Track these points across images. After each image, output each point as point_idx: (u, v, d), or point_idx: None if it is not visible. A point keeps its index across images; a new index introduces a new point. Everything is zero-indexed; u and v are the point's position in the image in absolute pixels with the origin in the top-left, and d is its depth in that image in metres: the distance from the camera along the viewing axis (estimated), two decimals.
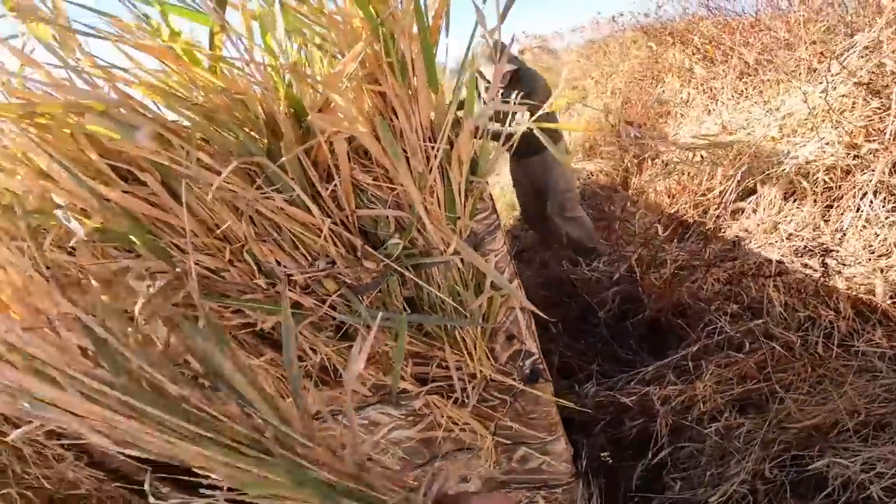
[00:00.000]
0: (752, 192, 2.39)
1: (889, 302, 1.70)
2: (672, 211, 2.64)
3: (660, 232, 2.38)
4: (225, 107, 0.44)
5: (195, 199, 0.50)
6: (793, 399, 1.53)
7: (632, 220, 2.71)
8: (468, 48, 0.51)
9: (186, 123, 0.44)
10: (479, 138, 0.59)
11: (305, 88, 0.44)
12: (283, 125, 0.43)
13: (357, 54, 0.43)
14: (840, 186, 2.04)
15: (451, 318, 0.68)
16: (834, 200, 2.05)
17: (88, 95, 0.40)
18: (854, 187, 1.97)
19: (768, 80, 2.70)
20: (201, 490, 0.45)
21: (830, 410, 1.47)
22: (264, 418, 0.34)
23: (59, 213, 0.43)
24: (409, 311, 0.71)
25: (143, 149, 0.43)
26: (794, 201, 2.21)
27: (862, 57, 2.14)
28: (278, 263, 0.59)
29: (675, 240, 2.43)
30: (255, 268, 0.57)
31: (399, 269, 0.58)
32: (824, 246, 1.96)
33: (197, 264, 0.56)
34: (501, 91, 2.19)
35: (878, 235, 1.85)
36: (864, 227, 1.91)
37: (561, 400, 0.94)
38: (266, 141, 0.46)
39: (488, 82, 2.23)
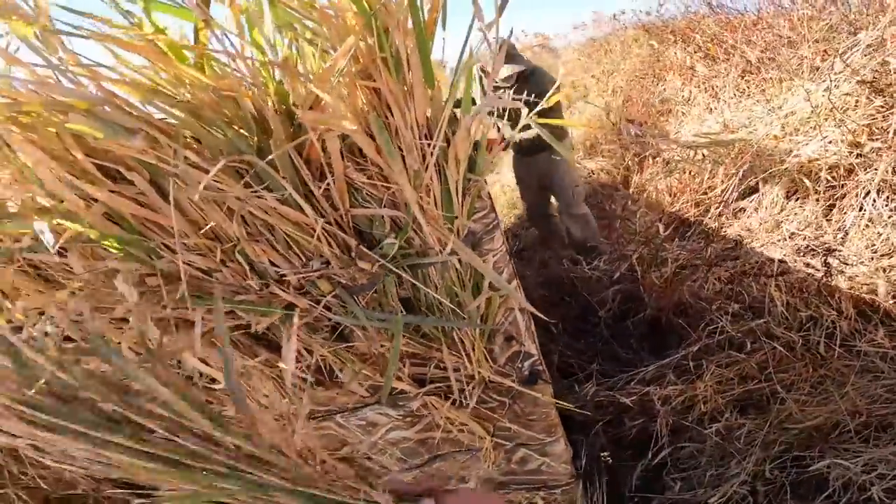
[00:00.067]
0: (754, 190, 2.38)
1: (891, 302, 1.69)
2: (673, 210, 2.63)
3: (661, 231, 2.37)
4: (212, 104, 0.43)
5: (186, 199, 0.49)
6: (794, 399, 1.52)
7: (632, 218, 2.70)
8: (465, 43, 0.50)
9: (174, 121, 0.43)
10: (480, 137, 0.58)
11: (296, 85, 0.42)
12: (272, 122, 0.42)
13: (349, 49, 0.42)
14: (843, 185, 2.02)
15: (449, 319, 0.67)
16: (837, 199, 2.04)
17: (71, 94, 0.39)
18: (857, 186, 1.95)
19: (771, 78, 2.68)
20: None
21: (832, 411, 1.46)
22: (204, 431, 0.33)
23: (35, 224, 0.42)
24: (406, 312, 0.70)
25: (130, 148, 0.41)
26: (796, 200, 2.20)
27: (865, 55, 2.12)
28: (272, 264, 0.57)
29: (677, 239, 2.42)
30: (247, 268, 0.56)
31: (395, 269, 0.57)
32: (827, 245, 1.95)
33: (188, 265, 0.55)
34: (509, 91, 2.17)
35: (880, 235, 1.83)
36: (866, 226, 1.90)
37: (560, 402, 0.93)
38: (256, 139, 0.45)
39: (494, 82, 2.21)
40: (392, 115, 0.47)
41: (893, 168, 1.86)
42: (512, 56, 2.20)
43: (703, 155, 2.67)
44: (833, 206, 2.05)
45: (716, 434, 1.55)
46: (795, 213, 2.15)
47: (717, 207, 2.40)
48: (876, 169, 1.90)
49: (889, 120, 1.95)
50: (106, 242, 0.49)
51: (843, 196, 2.01)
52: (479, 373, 0.79)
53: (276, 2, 0.41)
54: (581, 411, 1.67)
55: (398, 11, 0.44)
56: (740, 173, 2.37)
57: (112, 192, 0.46)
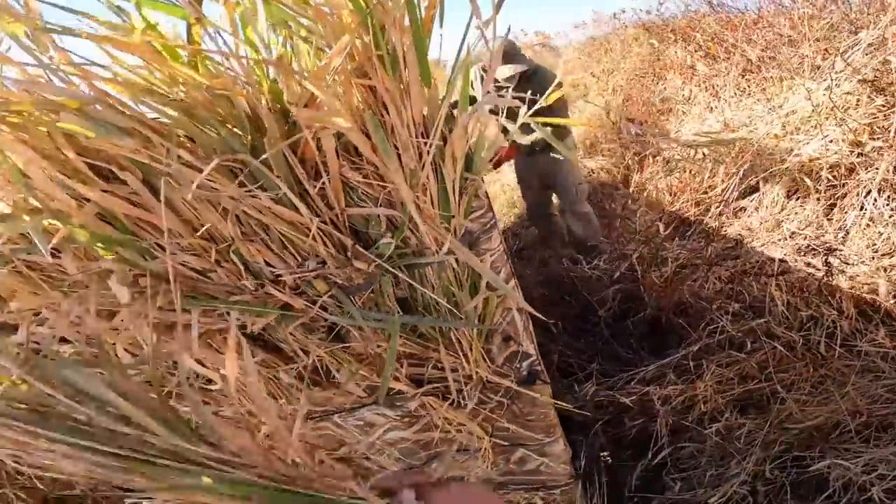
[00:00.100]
0: (755, 190, 2.37)
1: (892, 301, 1.68)
2: (673, 209, 2.62)
3: (661, 230, 2.36)
4: (206, 103, 0.42)
5: (179, 199, 0.48)
6: (794, 399, 1.52)
7: (633, 217, 2.69)
8: (463, 41, 0.49)
9: (166, 120, 0.42)
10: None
11: (291, 83, 0.42)
12: (266, 120, 0.42)
13: (343, 47, 0.41)
14: (844, 184, 2.02)
15: (446, 319, 0.66)
16: (837, 199, 2.03)
17: (63, 93, 0.38)
18: (858, 185, 1.95)
19: (771, 77, 2.67)
20: None
21: (832, 411, 1.45)
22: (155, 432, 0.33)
23: (27, 225, 0.42)
24: (403, 312, 0.69)
25: (122, 147, 0.41)
26: (797, 199, 2.19)
27: (866, 54, 2.12)
28: (267, 264, 0.57)
29: (677, 238, 2.41)
30: (242, 269, 0.55)
31: (391, 269, 0.56)
32: (827, 245, 1.94)
33: (183, 265, 0.54)
34: (511, 91, 2.15)
35: (881, 234, 1.83)
36: (867, 225, 1.89)
37: (559, 402, 0.93)
38: (250, 137, 0.44)
39: (496, 82, 2.19)
40: (388, 113, 0.47)
41: (894, 167, 1.86)
42: (514, 56, 2.18)
43: (704, 154, 2.66)
44: (834, 205, 2.04)
45: (716, 434, 1.54)
46: (796, 213, 2.14)
47: (718, 206, 2.40)
48: (877, 168, 1.89)
49: (890, 119, 1.94)
50: (98, 243, 0.48)
51: (844, 195, 2.01)
52: (476, 373, 0.79)
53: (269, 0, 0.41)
54: (580, 411, 1.67)
55: (395, 9, 0.43)
56: (741, 172, 2.36)
57: (105, 191, 0.46)
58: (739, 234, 2.24)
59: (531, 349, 0.81)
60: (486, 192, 0.63)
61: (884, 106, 1.98)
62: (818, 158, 2.10)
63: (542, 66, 2.33)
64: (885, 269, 1.76)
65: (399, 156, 0.49)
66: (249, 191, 0.47)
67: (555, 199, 2.91)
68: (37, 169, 0.44)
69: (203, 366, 0.70)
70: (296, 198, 0.48)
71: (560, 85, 2.35)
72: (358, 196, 0.53)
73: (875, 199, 1.88)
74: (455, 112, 0.52)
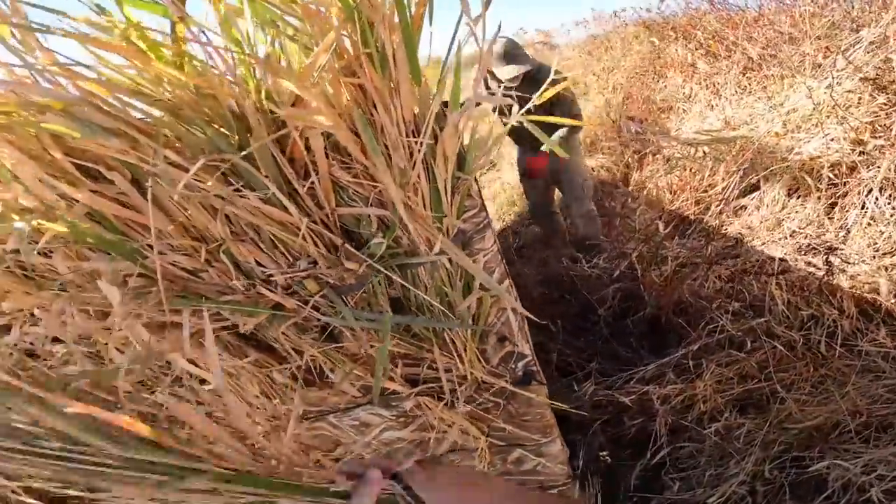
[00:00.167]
0: (755, 188, 2.36)
1: (894, 301, 1.67)
2: (673, 207, 2.61)
3: (661, 229, 2.35)
4: (192, 102, 0.42)
5: (168, 199, 0.48)
6: (794, 399, 1.51)
7: (632, 216, 2.68)
8: (453, 38, 0.49)
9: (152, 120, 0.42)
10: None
11: (278, 82, 0.41)
12: (251, 119, 0.41)
13: (329, 44, 0.40)
14: (845, 183, 2.01)
15: (439, 319, 0.66)
16: (838, 197, 2.02)
17: (48, 94, 0.38)
18: (859, 184, 1.94)
19: (772, 75, 2.66)
20: None
21: (832, 411, 1.44)
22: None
23: (16, 225, 0.41)
24: (396, 312, 0.69)
25: (109, 148, 0.41)
26: (797, 198, 2.18)
27: (868, 52, 2.10)
28: (258, 264, 0.57)
29: (677, 237, 2.40)
30: (232, 268, 0.55)
31: (383, 269, 0.56)
32: (828, 244, 1.93)
33: (173, 265, 0.54)
34: (516, 91, 2.14)
35: (883, 233, 1.82)
36: (869, 224, 1.88)
37: (555, 402, 0.92)
38: (237, 137, 0.44)
39: (500, 82, 2.18)
40: (378, 112, 0.46)
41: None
42: (516, 56, 2.16)
43: (704, 152, 2.65)
44: (835, 203, 2.03)
45: (715, 434, 1.54)
46: (797, 211, 2.13)
47: (718, 205, 2.39)
48: (878, 167, 1.88)
49: (892, 117, 1.93)
50: (87, 243, 0.48)
51: (846, 194, 1.99)
52: (471, 373, 0.78)
53: None
54: (579, 411, 1.67)
55: (383, 6, 0.42)
56: (741, 171, 2.35)
57: (93, 191, 0.45)
58: (740, 233, 2.23)
59: (526, 349, 0.81)
60: (478, 192, 0.62)
61: (885, 104, 1.97)
62: (819, 157, 2.09)
63: (546, 65, 2.31)
64: (887, 269, 1.75)
65: (389, 155, 0.49)
66: (238, 190, 0.46)
67: (557, 196, 2.91)
68: (25, 169, 0.43)
69: (196, 366, 0.70)
70: (285, 198, 0.48)
71: (564, 78, 2.34)
72: (348, 196, 0.52)
73: (876, 198, 1.87)
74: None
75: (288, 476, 0.58)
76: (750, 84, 2.84)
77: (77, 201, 0.46)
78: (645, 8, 4.56)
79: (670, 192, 2.72)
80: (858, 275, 1.78)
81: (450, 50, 0.50)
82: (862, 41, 2.14)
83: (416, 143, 0.49)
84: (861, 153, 1.97)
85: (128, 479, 0.39)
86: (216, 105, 0.42)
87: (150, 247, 0.51)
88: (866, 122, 1.98)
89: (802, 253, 1.97)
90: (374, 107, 0.46)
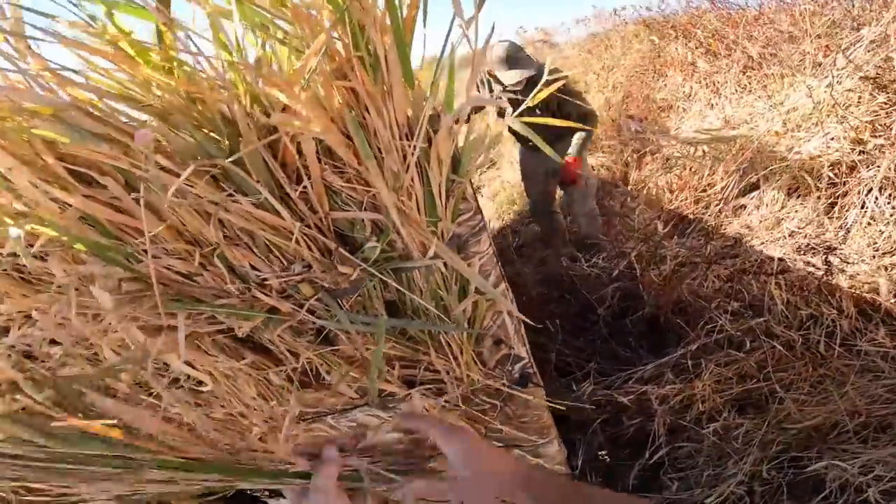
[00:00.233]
0: (755, 187, 2.35)
1: (893, 300, 1.67)
2: (673, 207, 2.61)
3: (660, 228, 2.35)
4: (181, 107, 0.42)
5: (162, 203, 0.48)
6: (793, 399, 1.51)
7: (631, 215, 2.68)
8: (446, 40, 0.48)
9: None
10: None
11: (268, 86, 0.41)
12: (241, 124, 0.41)
13: (319, 48, 0.40)
14: (845, 182, 2.00)
15: (435, 322, 0.66)
16: (838, 197, 2.02)
17: (39, 99, 0.38)
18: (859, 183, 1.93)
19: (772, 74, 2.65)
20: None
21: (831, 411, 1.44)
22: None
23: (11, 230, 0.41)
24: (392, 315, 0.69)
25: (101, 152, 0.41)
26: (797, 197, 2.18)
27: (868, 51, 2.10)
28: (252, 268, 0.57)
29: (676, 236, 2.40)
30: (226, 272, 0.55)
31: (377, 273, 0.56)
32: (827, 243, 1.93)
33: (167, 269, 0.54)
34: (520, 95, 2.13)
35: (882, 233, 1.82)
36: (868, 223, 1.88)
37: (553, 404, 0.92)
38: (228, 142, 0.44)
39: (504, 87, 2.17)
40: (370, 115, 0.46)
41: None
42: (519, 59, 2.15)
43: (704, 151, 2.65)
44: (835, 203, 2.03)
45: (713, 434, 1.54)
46: (796, 211, 2.13)
47: (717, 204, 2.38)
48: (878, 166, 1.87)
49: (892, 116, 1.92)
50: (80, 247, 0.48)
51: (845, 193, 1.99)
52: (468, 376, 0.78)
53: (243, 0, 0.40)
54: (578, 411, 1.67)
55: (374, 7, 0.42)
56: (741, 170, 2.35)
57: (86, 196, 0.45)
58: (739, 233, 2.22)
59: (523, 352, 0.80)
60: (473, 195, 0.62)
61: (885, 103, 1.96)
62: (819, 156, 2.08)
63: (552, 67, 2.31)
64: (886, 268, 1.75)
65: (381, 159, 0.49)
66: (230, 195, 0.46)
67: (557, 194, 2.90)
68: (19, 174, 0.43)
69: (193, 368, 0.70)
70: (277, 202, 0.47)
71: (565, 76, 2.33)
72: (342, 199, 0.52)
73: (876, 198, 1.87)
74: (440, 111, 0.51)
75: (245, 460, 0.59)
76: (750, 83, 2.84)
77: (70, 206, 0.46)
78: (645, 6, 4.55)
79: (670, 192, 2.71)
80: (858, 274, 1.78)
81: (443, 52, 0.49)
82: (862, 40, 2.13)
83: (409, 146, 0.49)
84: (861, 152, 1.96)
85: (80, 473, 0.39)
86: (206, 110, 0.42)
87: (145, 251, 0.52)
88: (866, 122, 1.98)
89: (802, 253, 1.96)
90: (367, 110, 0.46)
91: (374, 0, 0.42)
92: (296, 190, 0.48)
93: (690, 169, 2.67)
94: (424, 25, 0.48)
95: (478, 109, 2.60)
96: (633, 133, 3.32)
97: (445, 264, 0.61)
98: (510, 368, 0.81)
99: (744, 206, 2.33)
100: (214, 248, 0.53)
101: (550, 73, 2.20)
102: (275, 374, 0.77)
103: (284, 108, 0.42)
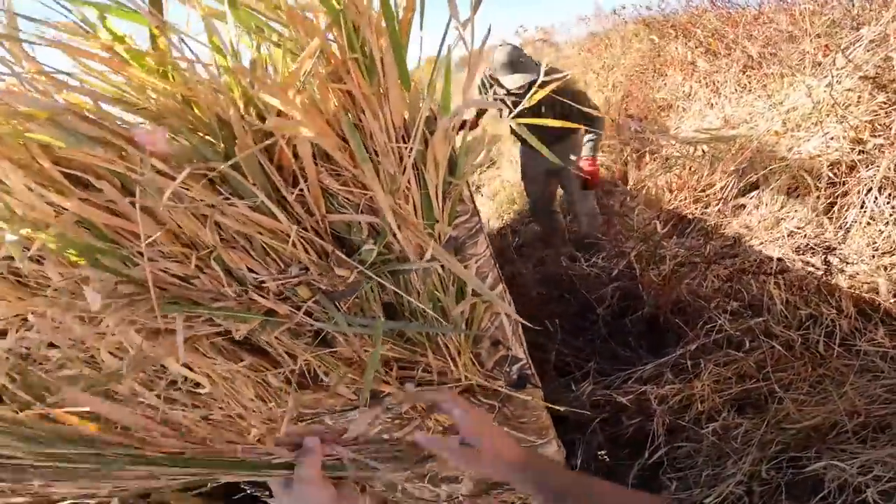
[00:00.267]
0: (755, 187, 2.35)
1: (892, 300, 1.67)
2: (672, 206, 2.60)
3: (658, 228, 2.35)
4: (177, 111, 0.41)
5: (158, 206, 0.48)
6: (792, 399, 1.51)
7: (631, 215, 2.68)
8: (442, 41, 0.48)
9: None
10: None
11: (262, 91, 0.41)
12: (235, 127, 0.41)
13: (313, 52, 0.40)
14: (844, 182, 2.00)
15: (432, 324, 0.66)
16: (838, 196, 2.02)
17: (34, 104, 0.38)
18: (858, 183, 1.93)
19: (772, 73, 2.65)
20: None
21: (830, 411, 1.44)
22: None
23: (8, 237, 0.41)
24: (390, 316, 0.69)
25: (95, 157, 0.40)
26: (796, 197, 2.17)
27: (868, 51, 2.09)
28: (250, 270, 0.56)
29: (675, 236, 2.40)
30: (223, 275, 0.55)
31: (374, 276, 0.56)
32: (827, 243, 1.93)
33: (164, 272, 0.54)
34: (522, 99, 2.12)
35: (882, 232, 1.81)
36: (868, 223, 1.88)
37: (551, 405, 0.92)
38: (223, 145, 0.43)
39: (507, 91, 2.17)
40: (366, 117, 0.46)
41: (895, 165, 1.84)
42: (522, 64, 2.15)
43: (703, 151, 2.64)
44: (834, 203, 2.03)
45: (713, 434, 1.54)
46: (796, 210, 2.12)
47: (717, 204, 2.38)
48: (878, 166, 1.87)
49: (892, 116, 1.92)
50: (77, 252, 0.48)
51: (845, 193, 1.99)
52: (465, 377, 0.78)
53: (237, 3, 0.40)
54: (577, 410, 1.67)
55: (369, 9, 0.42)
56: (740, 170, 2.35)
57: (82, 200, 0.45)
58: (738, 232, 2.22)
59: (521, 353, 0.80)
60: (471, 197, 0.62)
61: (885, 103, 1.96)
62: (819, 156, 2.08)
63: (554, 71, 2.31)
64: (885, 268, 1.74)
65: (377, 161, 0.48)
66: (227, 199, 0.46)
67: (559, 193, 2.90)
68: (15, 178, 0.43)
69: (190, 370, 0.70)
70: (274, 205, 0.47)
71: (583, 95, 2.33)
72: (339, 202, 0.52)
73: (876, 197, 1.86)
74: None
75: (224, 453, 0.59)
76: (749, 82, 2.84)
77: (66, 209, 0.46)
78: (645, 5, 4.55)
79: (669, 191, 2.71)
80: (857, 274, 1.78)
81: (439, 53, 0.49)
82: (862, 39, 2.13)
83: (405, 148, 0.49)
84: (860, 152, 1.96)
85: (53, 472, 0.40)
86: (201, 113, 0.42)
87: (141, 254, 0.51)
88: (866, 121, 1.98)
89: (801, 252, 1.96)
90: (363, 112, 0.46)
91: (369, 2, 0.42)
92: (292, 193, 0.48)
93: (690, 168, 2.67)
94: (421, 27, 0.48)
95: (480, 113, 2.61)
96: (632, 132, 3.32)
97: (443, 266, 0.60)
98: (508, 369, 0.81)
99: (743, 206, 2.33)
100: (211, 250, 0.53)
101: (551, 73, 2.20)
102: (273, 375, 0.77)
103: (280, 112, 0.42)
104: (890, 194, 1.84)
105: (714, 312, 1.87)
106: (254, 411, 0.85)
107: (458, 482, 1.11)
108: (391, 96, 0.47)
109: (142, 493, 1.12)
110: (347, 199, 0.51)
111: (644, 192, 2.93)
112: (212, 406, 0.87)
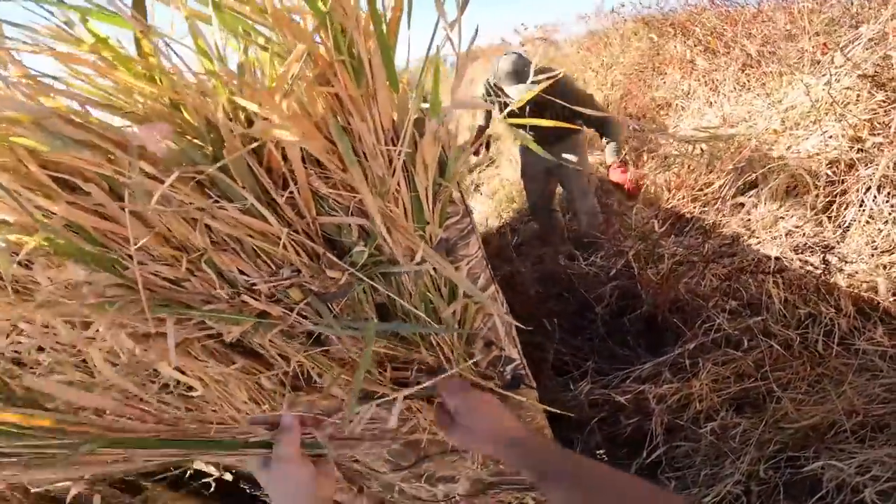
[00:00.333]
0: (753, 186, 2.35)
1: (891, 299, 1.66)
2: (670, 205, 2.60)
3: (657, 227, 2.35)
4: (163, 114, 0.41)
5: (148, 210, 0.48)
6: (790, 398, 1.51)
7: (629, 213, 2.67)
8: (431, 42, 0.48)
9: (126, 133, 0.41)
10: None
11: (249, 94, 0.41)
12: (223, 130, 0.41)
13: (299, 56, 0.40)
14: (843, 181, 1.99)
15: (424, 325, 0.66)
16: (837, 195, 2.01)
17: (20, 107, 0.38)
18: (857, 182, 1.92)
19: (771, 71, 2.64)
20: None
21: (828, 410, 1.44)
22: None
23: None
24: (383, 317, 0.69)
25: (83, 159, 0.40)
26: (795, 196, 2.17)
27: (867, 49, 2.09)
28: (241, 273, 0.56)
29: (674, 234, 2.39)
30: (215, 277, 0.54)
31: (365, 278, 0.56)
32: (826, 242, 1.92)
33: (154, 275, 0.54)
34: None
35: (881, 231, 1.81)
36: (867, 222, 1.87)
37: (546, 406, 0.92)
38: (211, 149, 0.43)
39: (511, 100, 2.17)
40: (354, 120, 0.46)
41: (894, 163, 1.83)
42: (526, 73, 2.16)
43: (702, 149, 2.64)
44: (833, 201, 2.02)
45: (711, 433, 1.54)
46: (794, 209, 2.12)
47: (715, 203, 2.38)
48: (877, 164, 1.87)
49: (890, 115, 1.92)
50: (65, 255, 0.48)
51: (844, 192, 1.98)
52: (460, 375, 0.78)
53: (222, 6, 0.40)
54: (573, 411, 1.67)
55: (356, 10, 0.42)
56: (739, 168, 2.34)
57: (70, 203, 0.45)
58: (737, 231, 2.22)
59: (515, 353, 0.80)
60: (462, 198, 0.62)
61: (884, 101, 1.95)
62: (817, 154, 2.08)
63: (560, 77, 2.31)
64: (885, 267, 1.74)
65: (365, 164, 0.48)
66: (216, 202, 0.46)
67: (559, 192, 2.90)
68: (2, 182, 0.43)
69: (182, 373, 0.70)
70: (264, 208, 0.47)
71: (589, 98, 2.32)
72: (329, 205, 0.52)
73: (875, 196, 1.86)
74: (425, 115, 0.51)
75: (198, 434, 0.59)
76: (748, 81, 2.83)
77: (54, 213, 0.46)
78: (644, 4, 4.54)
79: (668, 190, 2.71)
80: (856, 273, 1.77)
81: (427, 54, 0.49)
82: (861, 38, 2.12)
83: (394, 151, 0.49)
84: (859, 150, 1.95)
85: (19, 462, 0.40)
86: (189, 116, 0.42)
87: (130, 257, 0.51)
88: (865, 120, 1.97)
89: (800, 251, 1.96)
90: (351, 115, 0.46)
91: (356, 3, 0.42)
92: (282, 195, 0.48)
93: (688, 167, 2.67)
94: (409, 28, 0.48)
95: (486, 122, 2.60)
96: (631, 131, 3.31)
97: (434, 268, 0.60)
98: (502, 370, 0.81)
99: (741, 205, 2.32)
100: (202, 253, 0.53)
101: (550, 77, 2.20)
102: (266, 378, 0.77)
103: (267, 117, 0.42)
104: (889, 193, 1.84)
105: (712, 311, 1.87)
106: (247, 414, 0.85)
107: (455, 482, 1.11)
108: (379, 98, 0.47)
109: (136, 493, 1.12)
110: (337, 201, 0.51)
111: (643, 190, 2.92)
112: (205, 409, 0.87)
